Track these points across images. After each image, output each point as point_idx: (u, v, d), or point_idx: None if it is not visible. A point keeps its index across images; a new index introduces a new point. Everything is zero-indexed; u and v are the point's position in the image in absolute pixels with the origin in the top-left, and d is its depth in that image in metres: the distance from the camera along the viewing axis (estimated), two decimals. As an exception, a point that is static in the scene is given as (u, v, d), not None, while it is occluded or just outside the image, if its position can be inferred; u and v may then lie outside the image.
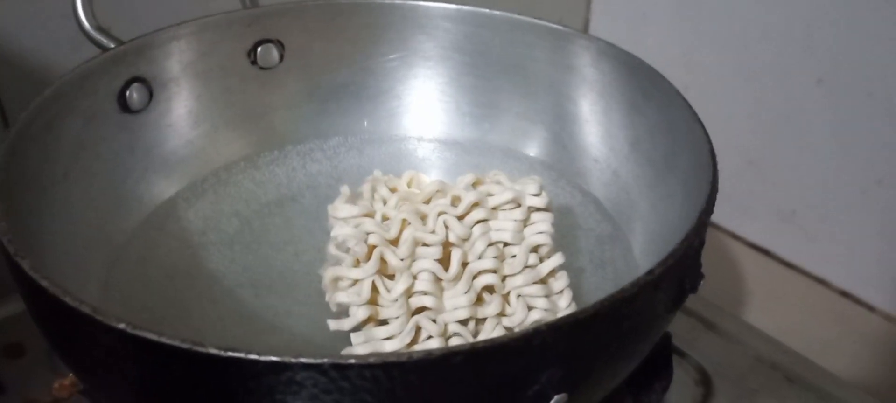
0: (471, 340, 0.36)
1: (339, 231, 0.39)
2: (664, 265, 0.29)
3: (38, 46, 0.48)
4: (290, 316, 0.39)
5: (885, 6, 0.54)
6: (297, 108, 0.50)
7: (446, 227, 0.37)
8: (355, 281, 0.37)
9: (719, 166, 0.36)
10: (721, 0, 0.63)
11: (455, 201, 0.39)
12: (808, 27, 0.58)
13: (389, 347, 0.35)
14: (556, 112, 0.48)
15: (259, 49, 0.48)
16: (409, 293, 0.36)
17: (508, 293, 0.37)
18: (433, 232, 0.37)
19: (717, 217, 0.63)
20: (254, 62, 0.48)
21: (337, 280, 0.38)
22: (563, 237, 0.43)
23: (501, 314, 0.37)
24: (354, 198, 0.41)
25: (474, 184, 0.40)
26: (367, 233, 0.37)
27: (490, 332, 0.36)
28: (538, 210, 0.39)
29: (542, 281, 0.38)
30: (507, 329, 0.37)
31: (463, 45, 0.49)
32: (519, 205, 0.39)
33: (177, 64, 0.45)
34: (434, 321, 0.35)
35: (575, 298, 0.38)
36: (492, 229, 0.38)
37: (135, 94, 0.43)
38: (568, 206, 0.46)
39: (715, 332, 0.49)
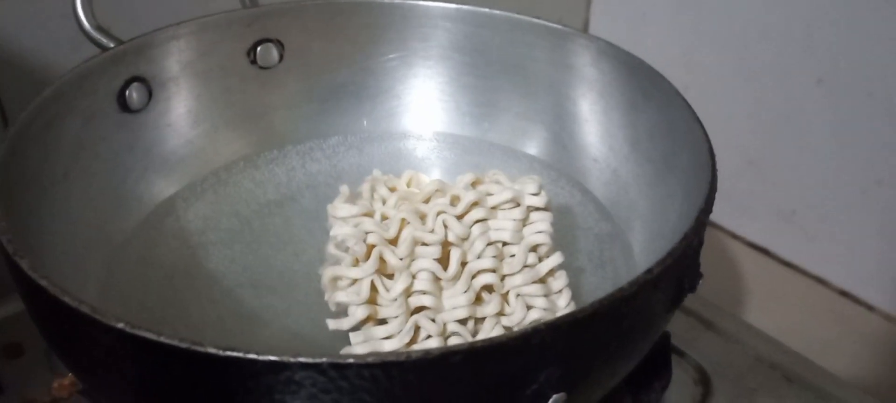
0: (470, 339, 0.36)
1: (339, 230, 0.39)
2: (663, 264, 0.29)
3: (38, 46, 0.48)
4: (290, 315, 0.39)
5: (885, 6, 0.54)
6: (296, 108, 0.50)
7: (445, 227, 0.37)
8: (354, 281, 0.37)
9: (719, 166, 0.36)
10: (721, 0, 0.63)
11: (454, 200, 0.39)
12: (808, 27, 0.58)
13: (388, 346, 0.35)
14: (555, 111, 0.48)
15: (259, 49, 0.48)
16: (408, 292, 0.36)
17: (507, 292, 0.37)
18: (432, 231, 0.37)
19: (716, 216, 0.63)
20: (253, 62, 0.48)
21: (336, 279, 0.38)
22: (563, 236, 0.43)
23: (500, 313, 0.37)
24: (354, 198, 0.41)
25: (473, 184, 0.40)
26: (367, 233, 0.37)
27: (489, 331, 0.36)
28: (537, 209, 0.39)
29: (541, 281, 0.38)
30: (505, 328, 0.37)
31: (462, 45, 0.49)
32: (518, 205, 0.39)
33: (176, 63, 0.45)
34: (433, 320, 0.35)
35: (574, 297, 0.38)
36: (491, 228, 0.38)
37: (134, 94, 0.43)
38: (567, 206, 0.46)
39: (714, 332, 0.49)
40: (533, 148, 0.49)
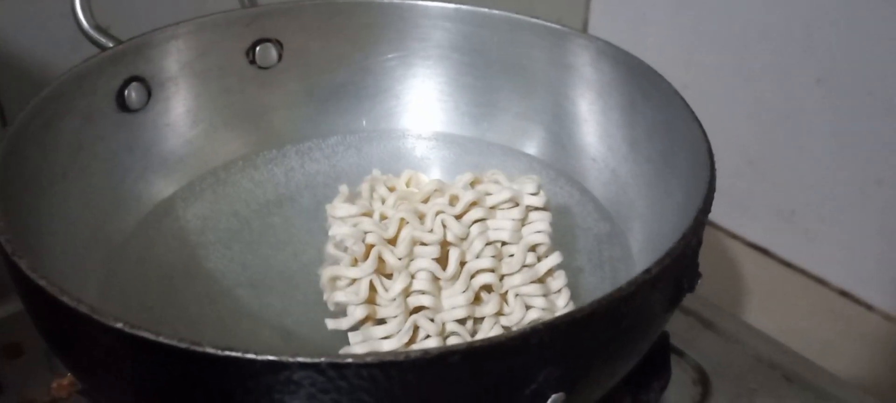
0: (468, 339, 0.36)
1: (338, 230, 0.39)
2: (662, 264, 0.29)
3: (37, 46, 0.48)
4: (289, 315, 0.39)
5: (885, 6, 0.54)
6: (295, 108, 0.50)
7: (444, 226, 0.37)
8: (353, 281, 0.37)
9: (718, 165, 0.36)
10: (721, 0, 0.63)
11: (453, 200, 0.39)
12: (807, 27, 0.58)
13: (387, 346, 0.35)
14: (554, 111, 0.48)
15: (257, 48, 0.48)
16: (407, 292, 0.36)
17: (506, 292, 0.37)
18: (431, 231, 0.37)
19: (716, 216, 0.63)
20: (252, 61, 0.48)
21: (335, 279, 0.38)
22: (561, 236, 0.43)
23: (499, 313, 0.37)
24: (353, 198, 0.41)
25: (472, 184, 0.40)
26: (366, 233, 0.37)
27: (488, 331, 0.36)
28: (536, 209, 0.39)
29: (540, 281, 0.38)
30: (504, 328, 0.37)
31: (461, 45, 0.49)
32: (517, 205, 0.39)
33: (175, 63, 0.45)
34: (432, 320, 0.35)
35: (573, 297, 0.38)
36: (490, 228, 0.38)
37: (133, 94, 0.43)
38: (566, 205, 0.46)
39: (713, 331, 0.49)
40: (532, 147, 0.49)
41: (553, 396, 0.28)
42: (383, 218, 0.39)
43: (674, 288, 0.32)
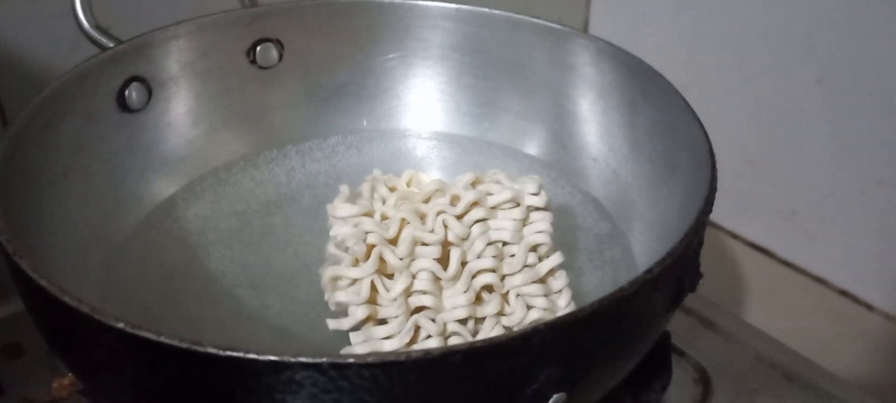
0: (470, 339, 0.36)
1: (339, 230, 0.39)
2: (663, 264, 0.29)
3: (38, 46, 0.48)
4: (290, 315, 0.39)
5: (885, 6, 0.54)
6: (296, 108, 0.50)
7: (445, 226, 0.37)
8: (354, 281, 0.37)
9: (719, 165, 0.36)
10: (721, 0, 0.63)
11: (454, 200, 0.39)
12: (807, 27, 0.58)
13: (388, 346, 0.35)
14: (555, 111, 0.48)
15: (258, 48, 0.48)
16: (408, 292, 0.36)
17: (507, 292, 0.37)
18: (432, 231, 0.37)
19: (716, 216, 0.63)
20: (253, 61, 0.48)
21: (336, 279, 0.38)
22: (563, 236, 0.43)
23: (500, 313, 0.37)
24: (353, 198, 0.41)
25: (473, 184, 0.40)
26: (366, 233, 0.37)
27: (489, 331, 0.36)
28: (537, 209, 0.39)
29: (541, 281, 0.38)
30: (506, 328, 0.37)
31: (462, 45, 0.49)
32: (518, 205, 0.39)
33: (176, 63, 0.45)
34: (433, 320, 0.35)
35: (574, 297, 0.38)
36: (491, 228, 0.38)
37: (134, 94, 0.43)
38: (567, 205, 0.46)
39: (714, 331, 0.49)
40: (533, 147, 0.49)
41: (554, 396, 0.28)
42: (384, 218, 0.39)
43: (675, 288, 0.32)
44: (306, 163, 0.48)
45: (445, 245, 0.37)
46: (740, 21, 0.62)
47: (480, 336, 0.36)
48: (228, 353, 0.25)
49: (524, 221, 0.39)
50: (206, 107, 0.47)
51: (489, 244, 0.38)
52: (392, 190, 0.41)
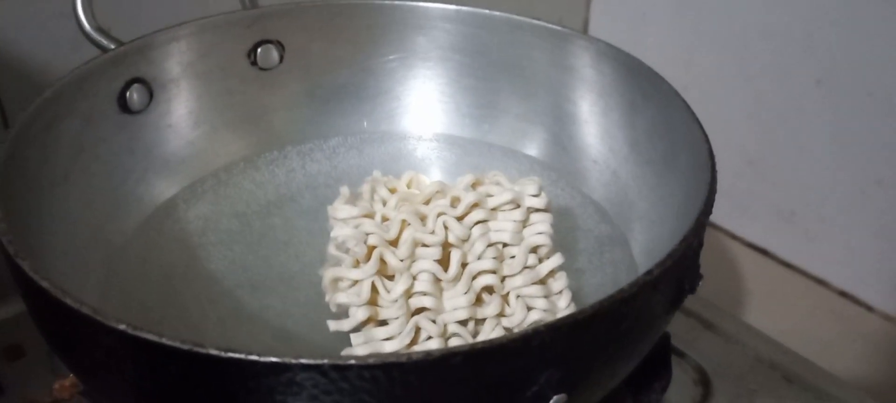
0: (470, 341, 0.36)
1: (339, 231, 0.39)
2: (663, 266, 0.30)
3: (38, 47, 0.48)
4: (290, 316, 0.39)
5: (885, 6, 0.54)
6: (296, 109, 0.50)
7: (446, 228, 0.38)
8: (355, 282, 0.37)
9: (719, 166, 0.36)
10: (721, 0, 0.63)
11: (454, 202, 0.39)
12: (807, 27, 0.58)
13: (389, 348, 0.35)
14: (555, 113, 0.48)
15: (259, 50, 0.48)
16: (408, 293, 0.36)
17: (508, 293, 0.37)
18: (433, 232, 0.37)
19: (716, 217, 0.63)
20: (254, 63, 0.48)
21: (337, 280, 0.38)
22: (563, 237, 0.43)
23: (501, 314, 0.37)
24: (354, 199, 0.41)
25: (474, 185, 0.40)
26: (367, 234, 0.37)
27: (489, 333, 0.36)
28: (537, 210, 0.39)
29: (542, 282, 0.38)
30: (506, 329, 0.37)
31: (462, 46, 0.50)
32: (518, 206, 0.39)
33: (177, 65, 0.45)
34: (433, 321, 0.35)
35: (574, 299, 0.38)
36: (491, 230, 0.38)
37: (135, 95, 0.43)
38: (567, 207, 0.46)
39: (714, 332, 0.49)
40: (533, 149, 0.49)
41: (555, 397, 0.28)
42: (385, 219, 0.39)
43: (675, 290, 0.32)
44: (307, 165, 0.48)
45: (446, 246, 0.37)
46: (740, 21, 0.63)
47: (481, 338, 0.36)
48: (229, 355, 0.25)
49: (524, 223, 0.39)
50: (207, 108, 0.47)
51: (489, 245, 0.38)
52: (392, 191, 0.41)
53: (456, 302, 0.36)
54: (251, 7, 0.48)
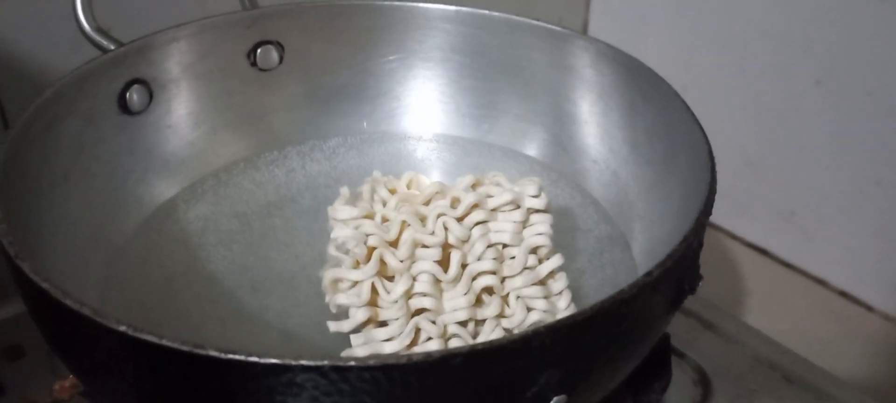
0: (470, 341, 0.36)
1: (339, 232, 0.39)
2: (663, 267, 0.30)
3: (38, 48, 0.48)
4: (290, 317, 0.39)
5: (885, 6, 0.54)
6: (296, 109, 0.50)
7: (446, 229, 0.38)
8: (355, 283, 0.37)
9: (718, 166, 0.36)
10: (720, 1, 0.63)
11: (454, 203, 0.39)
12: (807, 27, 0.58)
13: (389, 349, 0.35)
14: (555, 113, 0.48)
15: (259, 50, 0.48)
16: (408, 294, 0.36)
17: (508, 294, 0.37)
18: (433, 233, 0.37)
19: (716, 217, 0.63)
20: (253, 64, 0.48)
21: (337, 281, 0.38)
22: (563, 238, 0.43)
23: (501, 315, 0.37)
24: (354, 200, 0.41)
25: (474, 186, 0.40)
26: (367, 235, 0.37)
27: (489, 333, 0.36)
28: (537, 211, 0.39)
29: (542, 283, 0.38)
30: (506, 330, 0.37)
31: (462, 47, 0.50)
32: (518, 207, 0.39)
33: (177, 65, 0.45)
34: (433, 322, 0.35)
35: (574, 299, 0.38)
36: (491, 230, 0.38)
37: (135, 96, 0.43)
38: (567, 207, 0.46)
39: (714, 332, 0.49)
40: (533, 149, 0.49)
41: (555, 398, 0.28)
42: (385, 220, 0.39)
43: (675, 290, 0.32)
44: (307, 165, 0.48)
45: (446, 247, 0.37)
46: (740, 22, 0.63)
47: (481, 339, 0.36)
48: (229, 356, 0.25)
49: (524, 223, 0.39)
50: (207, 109, 0.47)
51: (489, 246, 0.38)
52: (392, 192, 0.41)
53: (456, 303, 0.36)
54: (251, 8, 0.48)
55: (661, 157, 0.42)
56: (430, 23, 0.49)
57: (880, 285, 0.60)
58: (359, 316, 0.36)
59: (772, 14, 0.60)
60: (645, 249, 0.41)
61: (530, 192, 0.39)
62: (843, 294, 0.63)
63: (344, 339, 0.36)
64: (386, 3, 0.49)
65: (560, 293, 0.38)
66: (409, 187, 0.42)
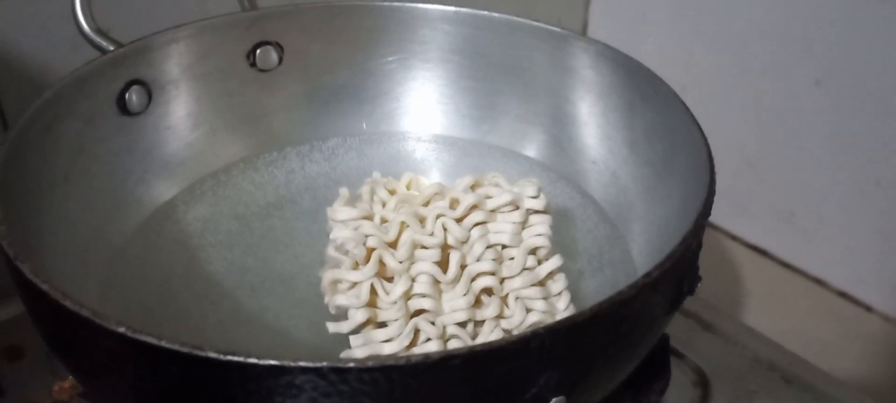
0: (469, 342, 0.36)
1: (338, 233, 0.39)
2: (662, 267, 0.30)
3: (38, 48, 0.48)
4: (289, 318, 0.39)
5: (885, 6, 0.54)
6: (295, 110, 0.50)
7: (445, 230, 0.38)
8: (354, 284, 0.37)
9: (718, 167, 0.36)
10: (720, 1, 0.63)
11: (453, 203, 0.39)
12: (806, 27, 0.58)
13: (388, 349, 0.35)
14: (554, 114, 0.48)
15: (258, 51, 0.48)
16: (407, 295, 0.36)
17: (507, 295, 0.37)
18: (432, 234, 0.37)
19: (715, 217, 0.63)
20: (253, 64, 0.48)
21: (336, 282, 0.38)
22: (562, 239, 0.43)
23: (500, 316, 0.37)
24: (353, 201, 0.41)
25: (473, 187, 0.40)
26: (366, 236, 0.37)
27: (488, 334, 0.36)
28: (536, 212, 0.39)
29: (541, 284, 0.38)
30: (505, 331, 0.37)
31: (461, 47, 0.50)
32: (517, 208, 0.39)
33: (176, 66, 0.45)
34: (433, 323, 0.35)
35: (573, 300, 0.38)
36: (490, 231, 0.38)
37: (134, 97, 0.43)
38: (566, 208, 0.46)
39: (713, 333, 0.49)
40: (532, 150, 0.49)
41: (554, 400, 0.28)
42: (384, 221, 0.39)
43: (674, 291, 0.32)
44: (306, 166, 0.49)
45: (445, 248, 0.37)
46: (740, 22, 0.63)
47: (480, 340, 0.36)
48: (229, 357, 0.25)
49: (523, 224, 0.39)
50: (206, 109, 0.47)
51: (488, 247, 0.38)
52: (392, 193, 0.41)
53: (455, 304, 0.36)
54: (250, 8, 0.48)
55: (661, 158, 0.42)
56: (429, 23, 0.49)
57: (880, 285, 0.60)
58: (358, 317, 0.36)
59: (772, 14, 0.60)
60: (644, 250, 0.41)
61: (529, 193, 0.39)
62: (842, 294, 0.63)
63: (343, 340, 0.36)
64: (385, 3, 0.49)
65: (559, 294, 0.38)
66: (408, 188, 0.42)
